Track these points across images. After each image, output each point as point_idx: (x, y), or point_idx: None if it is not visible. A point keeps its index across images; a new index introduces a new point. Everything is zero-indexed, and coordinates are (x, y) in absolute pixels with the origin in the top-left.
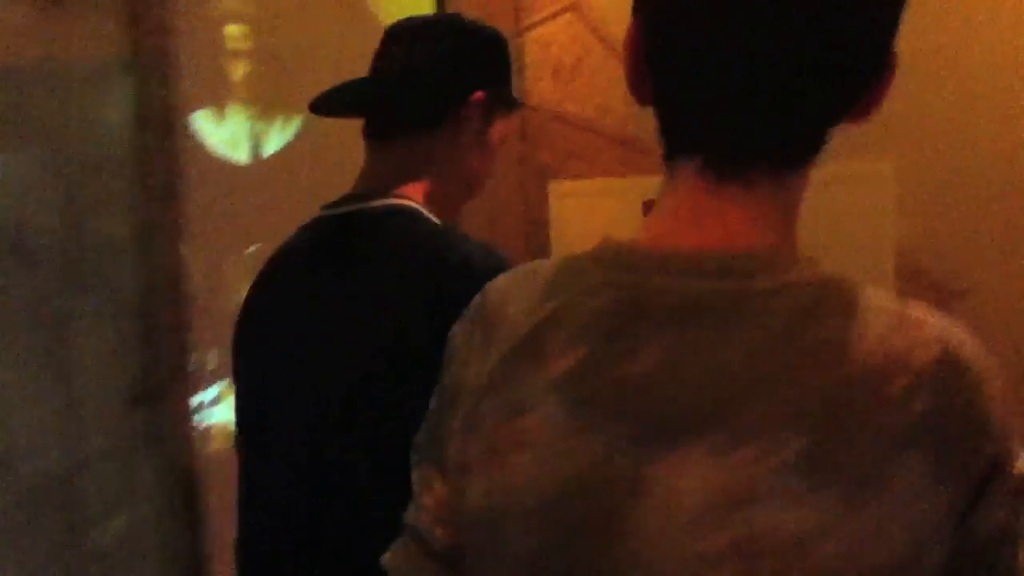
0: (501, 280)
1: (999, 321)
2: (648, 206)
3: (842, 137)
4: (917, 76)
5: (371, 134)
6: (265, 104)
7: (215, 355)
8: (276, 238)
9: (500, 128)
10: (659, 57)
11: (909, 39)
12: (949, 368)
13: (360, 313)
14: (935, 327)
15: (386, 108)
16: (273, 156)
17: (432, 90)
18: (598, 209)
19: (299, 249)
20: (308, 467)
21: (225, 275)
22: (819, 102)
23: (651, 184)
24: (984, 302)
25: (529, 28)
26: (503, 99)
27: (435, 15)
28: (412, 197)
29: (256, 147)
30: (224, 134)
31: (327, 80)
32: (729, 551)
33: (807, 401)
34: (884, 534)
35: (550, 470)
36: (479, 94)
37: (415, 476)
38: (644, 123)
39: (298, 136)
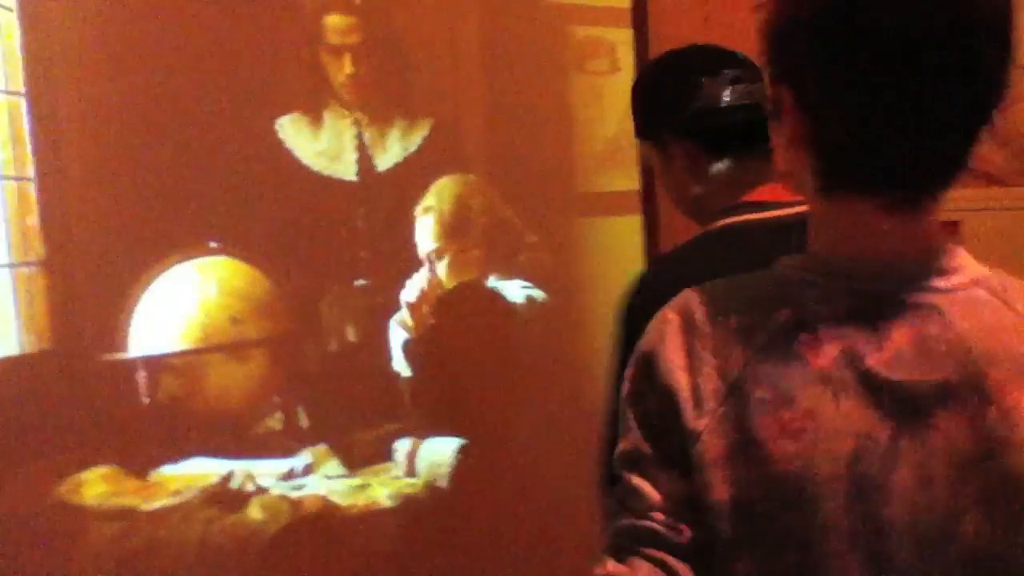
0: (697, 296)
1: None
2: None
3: None
4: None
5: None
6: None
7: None
8: None
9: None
10: (827, 114)
11: None
12: None
13: None
14: None
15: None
16: None
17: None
18: None
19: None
20: None
21: None
22: (970, 137)
23: None
24: None
25: None
26: None
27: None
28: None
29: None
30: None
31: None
32: (973, 502)
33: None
34: None
35: (822, 450)
36: None
37: (628, 483)
38: None
39: None
